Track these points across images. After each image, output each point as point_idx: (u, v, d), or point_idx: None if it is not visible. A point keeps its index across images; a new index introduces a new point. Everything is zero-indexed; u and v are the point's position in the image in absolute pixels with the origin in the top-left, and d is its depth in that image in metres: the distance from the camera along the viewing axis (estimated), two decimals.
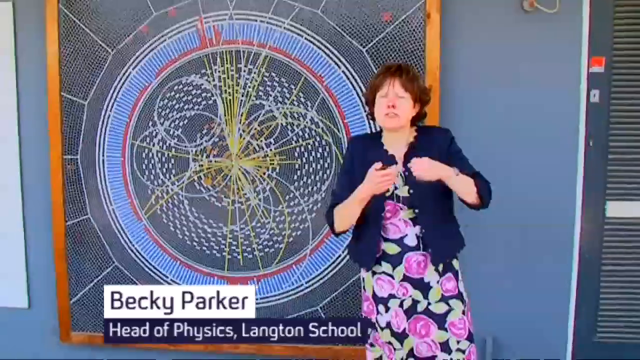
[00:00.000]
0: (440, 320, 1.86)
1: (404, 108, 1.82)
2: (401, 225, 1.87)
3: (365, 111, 2.39)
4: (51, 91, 2.59)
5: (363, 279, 1.98)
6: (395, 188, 1.85)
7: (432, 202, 1.83)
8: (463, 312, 1.88)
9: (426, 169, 1.71)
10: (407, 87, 1.82)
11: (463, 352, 1.86)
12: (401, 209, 1.86)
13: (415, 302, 1.87)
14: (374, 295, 1.93)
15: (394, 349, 1.90)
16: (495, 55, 2.40)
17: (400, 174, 1.85)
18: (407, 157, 1.84)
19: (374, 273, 1.92)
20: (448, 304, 1.87)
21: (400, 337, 1.88)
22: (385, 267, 1.89)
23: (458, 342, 1.86)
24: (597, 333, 2.54)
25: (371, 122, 2.36)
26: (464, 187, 1.77)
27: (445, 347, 1.85)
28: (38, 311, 2.78)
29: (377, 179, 1.70)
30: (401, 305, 1.88)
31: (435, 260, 1.85)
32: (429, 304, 1.87)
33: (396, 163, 1.86)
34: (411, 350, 1.87)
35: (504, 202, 2.42)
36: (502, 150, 2.42)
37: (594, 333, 2.54)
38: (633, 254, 2.49)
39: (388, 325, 1.89)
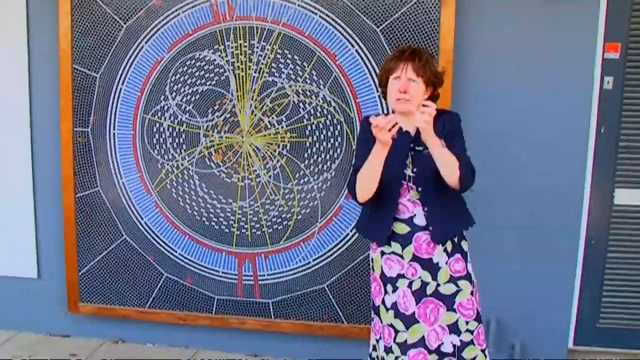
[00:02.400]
0: (449, 302, 1.87)
1: (415, 92, 1.82)
2: (410, 205, 1.88)
3: (377, 91, 2.38)
4: (63, 63, 2.59)
5: (372, 259, 1.99)
6: (406, 168, 1.86)
7: (435, 182, 1.83)
8: (471, 293, 1.89)
9: (427, 119, 1.70)
10: (419, 71, 1.82)
11: (471, 332, 1.88)
12: (410, 188, 1.87)
13: (424, 284, 1.88)
14: (382, 275, 1.93)
15: (396, 332, 1.89)
16: (510, 39, 2.39)
17: (410, 154, 1.86)
18: (416, 139, 1.85)
19: (382, 253, 1.93)
20: (457, 285, 1.88)
21: (408, 320, 1.87)
22: (395, 247, 1.90)
23: (467, 322, 1.87)
24: (600, 319, 2.56)
25: (384, 102, 2.36)
26: (445, 163, 1.77)
27: (454, 328, 1.86)
28: (47, 281, 2.82)
29: (375, 132, 1.73)
30: (410, 286, 1.88)
31: (435, 238, 1.86)
32: (438, 285, 1.88)
33: (411, 138, 1.86)
34: (422, 339, 1.86)
35: (513, 186, 2.44)
36: (513, 134, 2.42)
37: (596, 319, 2.56)
38: (639, 241, 2.50)
39: (393, 306, 1.90)
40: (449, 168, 1.77)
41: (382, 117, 1.73)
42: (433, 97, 1.93)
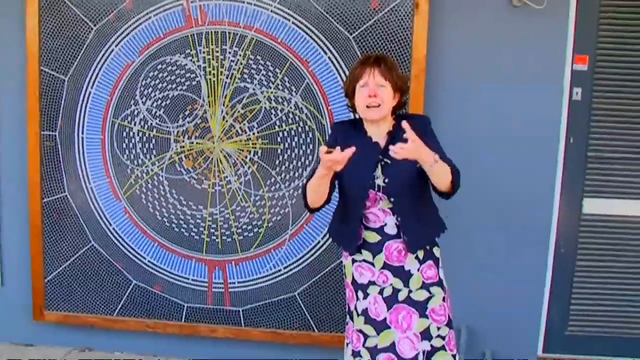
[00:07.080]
0: (422, 308, 1.86)
1: (384, 97, 1.82)
2: (380, 215, 1.88)
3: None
4: (30, 65, 2.53)
5: (344, 265, 1.99)
6: (376, 177, 1.85)
7: (407, 191, 1.83)
8: (443, 299, 1.89)
9: (409, 149, 1.64)
10: (386, 76, 1.82)
11: (443, 338, 1.87)
12: (380, 199, 1.86)
13: (395, 291, 1.87)
14: (354, 281, 1.93)
15: (365, 337, 1.88)
16: (482, 48, 2.41)
17: (380, 164, 1.85)
18: (386, 147, 1.83)
19: (354, 261, 1.92)
20: (429, 291, 1.88)
21: (378, 325, 1.87)
22: (366, 254, 1.90)
23: (438, 328, 1.87)
24: (569, 326, 2.59)
25: None
26: (441, 175, 1.76)
27: (425, 334, 1.86)
28: (11, 289, 2.74)
29: (324, 162, 1.68)
30: (381, 292, 1.88)
31: (411, 247, 1.86)
32: (410, 291, 1.87)
33: (381, 150, 1.85)
34: (392, 344, 1.85)
35: (483, 195, 2.46)
36: (483, 143, 2.44)
37: (565, 326, 2.59)
38: (607, 250, 2.54)
39: (364, 312, 1.89)
40: (443, 177, 1.76)
41: (337, 152, 1.65)
42: (399, 105, 1.92)
